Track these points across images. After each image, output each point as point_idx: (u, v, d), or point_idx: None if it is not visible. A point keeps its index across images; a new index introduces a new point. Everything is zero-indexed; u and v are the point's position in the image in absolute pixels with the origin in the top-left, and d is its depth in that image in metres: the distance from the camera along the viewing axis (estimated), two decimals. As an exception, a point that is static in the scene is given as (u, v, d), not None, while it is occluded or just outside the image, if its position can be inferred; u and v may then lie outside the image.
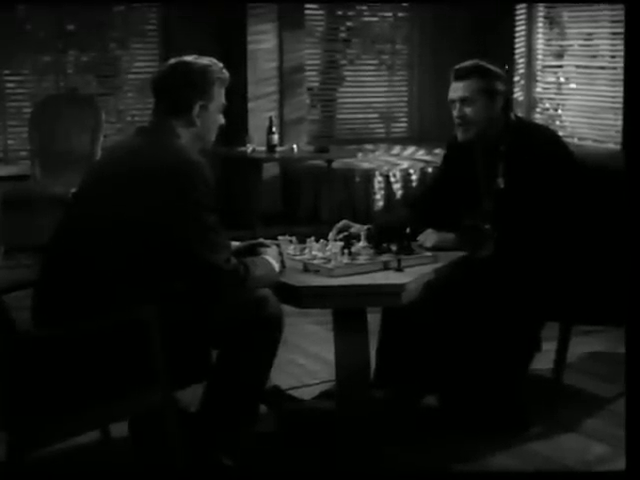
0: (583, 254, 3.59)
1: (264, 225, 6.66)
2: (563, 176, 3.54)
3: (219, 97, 3.16)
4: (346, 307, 3.23)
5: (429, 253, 3.40)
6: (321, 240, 3.42)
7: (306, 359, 4.41)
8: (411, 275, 3.20)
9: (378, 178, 7.21)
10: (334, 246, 3.34)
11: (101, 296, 2.89)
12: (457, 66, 3.63)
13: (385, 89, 8.35)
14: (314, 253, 3.34)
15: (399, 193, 7.25)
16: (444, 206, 3.78)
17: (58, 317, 2.90)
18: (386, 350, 3.70)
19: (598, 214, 3.65)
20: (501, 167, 3.59)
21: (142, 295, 2.89)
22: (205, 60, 3.15)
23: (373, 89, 8.33)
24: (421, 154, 7.78)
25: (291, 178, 7.55)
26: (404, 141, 8.24)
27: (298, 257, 3.34)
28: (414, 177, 7.31)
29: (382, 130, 8.42)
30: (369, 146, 8.03)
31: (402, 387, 3.67)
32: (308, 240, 3.41)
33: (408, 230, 3.40)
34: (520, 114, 7.60)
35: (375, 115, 8.39)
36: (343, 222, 3.63)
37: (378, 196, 7.20)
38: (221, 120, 3.21)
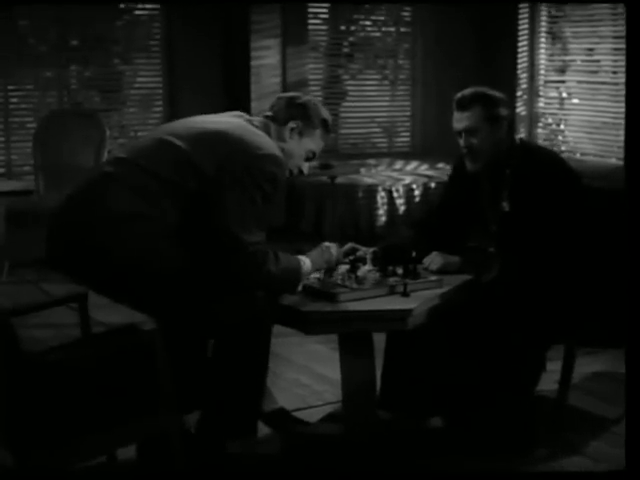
0: (587, 276, 3.59)
1: (267, 240, 6.65)
2: (567, 199, 3.56)
3: (315, 137, 3.24)
4: (352, 332, 3.24)
5: (434, 277, 3.42)
6: None
7: (311, 379, 4.40)
8: (417, 300, 3.21)
9: (381, 193, 7.21)
10: (340, 269, 3.35)
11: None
12: (458, 95, 3.62)
13: (388, 103, 8.37)
14: (318, 276, 3.35)
15: (402, 209, 7.26)
16: (449, 228, 3.79)
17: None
18: (390, 374, 3.70)
19: (602, 237, 3.66)
20: (506, 190, 3.61)
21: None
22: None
23: (376, 104, 8.35)
24: (424, 169, 7.79)
25: (294, 193, 7.55)
26: (407, 155, 8.25)
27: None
28: (417, 192, 7.31)
29: (385, 145, 8.44)
30: (372, 161, 8.04)
31: (407, 409, 3.67)
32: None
33: (414, 254, 3.41)
34: (522, 129, 7.65)
35: (378, 130, 8.41)
36: (349, 245, 3.60)
37: (381, 211, 7.21)
38: (304, 166, 3.28)
